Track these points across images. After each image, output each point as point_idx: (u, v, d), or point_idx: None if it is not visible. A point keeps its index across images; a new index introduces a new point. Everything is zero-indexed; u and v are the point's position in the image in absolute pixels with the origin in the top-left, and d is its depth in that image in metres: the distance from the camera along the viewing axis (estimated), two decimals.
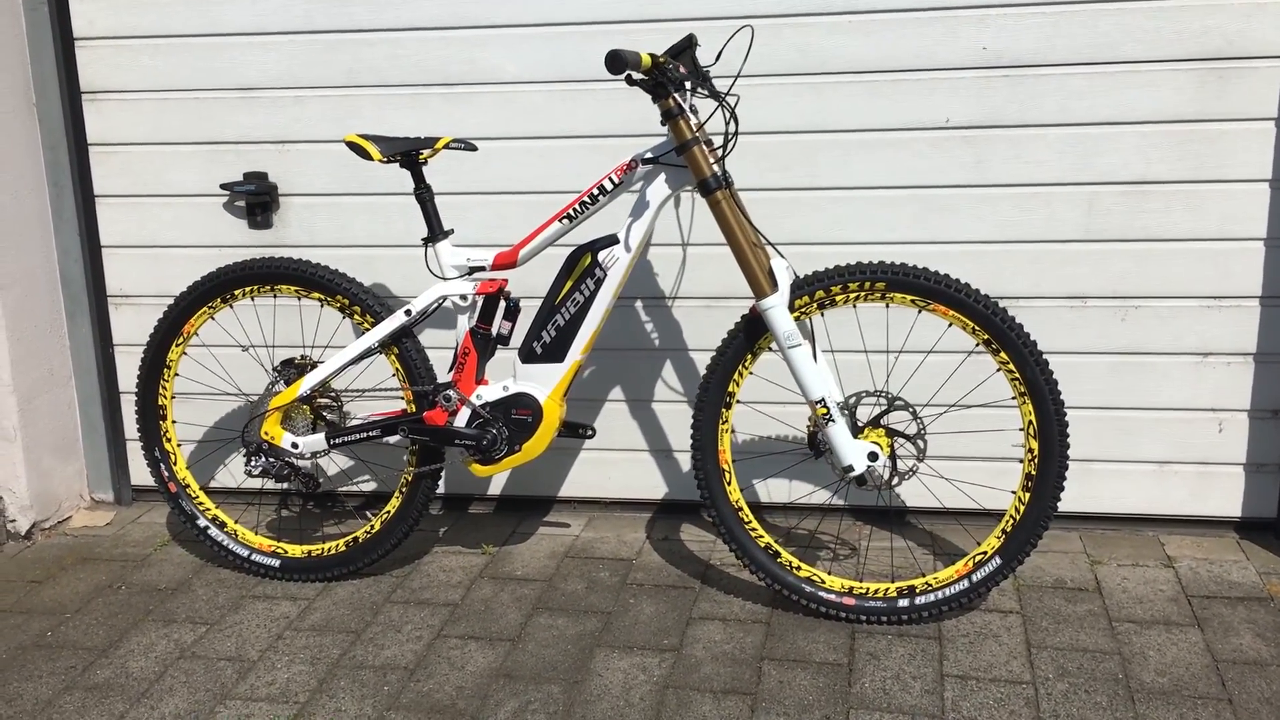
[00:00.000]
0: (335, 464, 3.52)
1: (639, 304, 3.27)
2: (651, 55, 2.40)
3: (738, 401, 2.77)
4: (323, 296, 2.94)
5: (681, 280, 3.23)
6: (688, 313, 3.25)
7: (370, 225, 3.33)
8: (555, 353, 2.79)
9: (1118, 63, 2.91)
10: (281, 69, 3.27)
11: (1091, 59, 2.91)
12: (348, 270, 3.32)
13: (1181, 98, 2.90)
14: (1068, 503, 3.15)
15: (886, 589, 2.73)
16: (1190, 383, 3.07)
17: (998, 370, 2.62)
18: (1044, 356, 2.57)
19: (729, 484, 2.79)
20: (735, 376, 2.73)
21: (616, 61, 2.28)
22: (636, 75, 2.42)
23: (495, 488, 3.52)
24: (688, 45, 2.62)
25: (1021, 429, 2.63)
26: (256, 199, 3.34)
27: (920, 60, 2.98)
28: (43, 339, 3.45)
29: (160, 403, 3.11)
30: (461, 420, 2.86)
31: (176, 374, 3.11)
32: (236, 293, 2.98)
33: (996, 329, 2.57)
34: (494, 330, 2.86)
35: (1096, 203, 3.00)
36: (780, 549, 2.79)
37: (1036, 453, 2.61)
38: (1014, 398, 2.62)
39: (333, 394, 3.06)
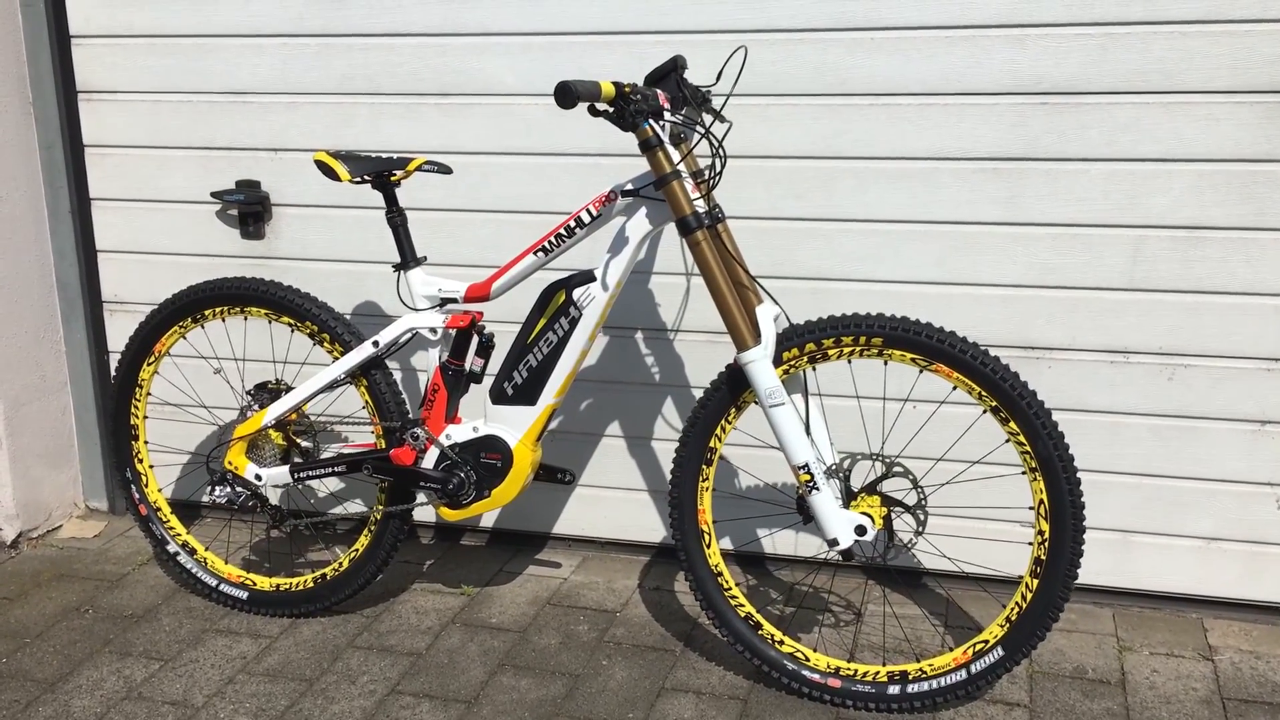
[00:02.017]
0: (326, 486, 3.37)
1: (639, 335, 3.04)
2: (616, 84, 2.16)
3: (720, 458, 2.53)
4: (292, 321, 2.77)
5: (684, 313, 2.99)
6: (690, 347, 3.01)
7: (363, 240, 3.16)
8: (527, 395, 2.58)
9: (1172, 92, 2.57)
10: (274, 73, 3.11)
11: (1142, 87, 2.59)
12: (339, 286, 3.19)
13: (1245, 134, 2.56)
14: (1102, 576, 2.88)
15: (876, 672, 2.47)
16: (1245, 453, 2.73)
17: (1006, 441, 2.34)
18: (1059, 430, 2.28)
19: (709, 547, 2.55)
20: (717, 431, 2.49)
21: (566, 95, 2.04)
22: (600, 105, 2.18)
23: (489, 520, 3.33)
24: (673, 68, 2.38)
25: (1031, 508, 2.34)
26: (248, 208, 3.19)
27: (948, 83, 2.68)
28: (34, 344, 3.36)
29: (132, 423, 2.98)
30: (429, 461, 2.68)
31: (149, 394, 2.97)
32: (207, 313, 2.83)
33: (1006, 396, 2.28)
34: (466, 366, 2.66)
35: (1144, 248, 2.67)
36: (762, 620, 2.55)
37: (1047, 536, 2.32)
38: (1024, 472, 2.33)
39: (306, 422, 2.90)
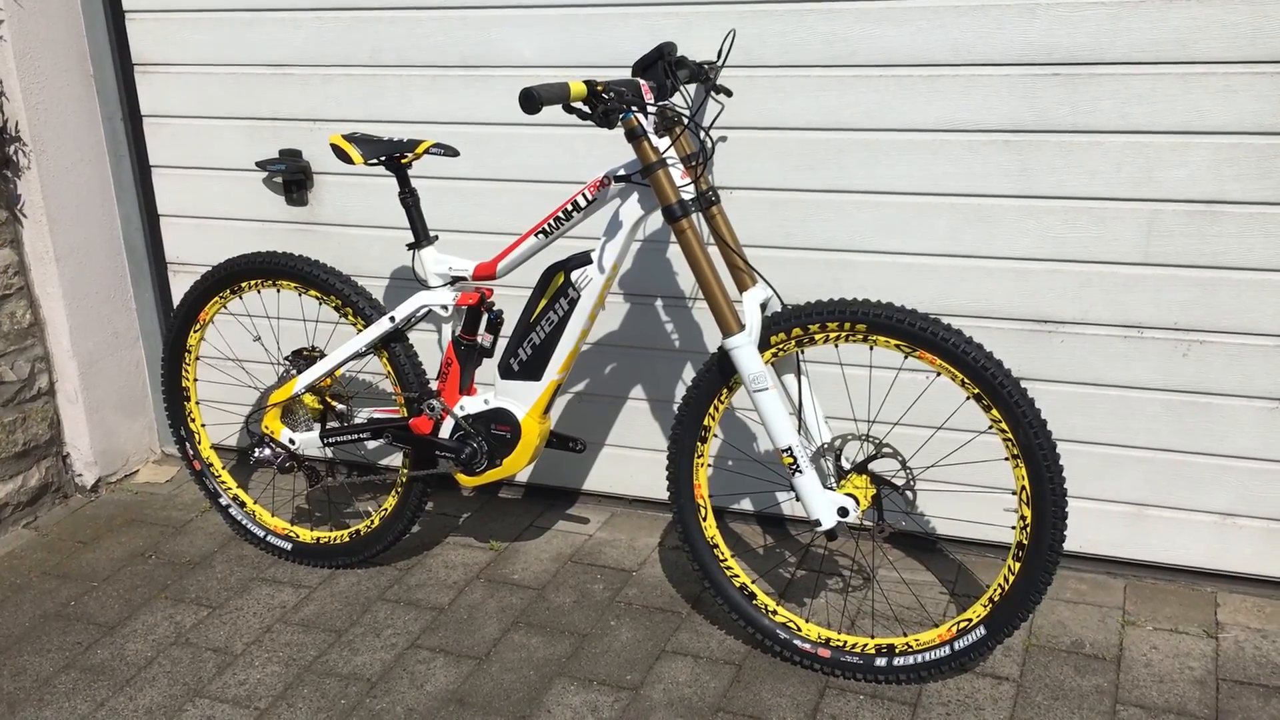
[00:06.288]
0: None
1: (659, 303, 3.10)
2: (588, 83, 2.20)
3: (714, 436, 2.59)
4: (319, 295, 2.91)
5: None
6: (708, 315, 3.06)
7: (399, 208, 3.25)
8: (532, 371, 2.68)
9: (1189, 63, 2.48)
10: (310, 46, 3.21)
11: (1157, 58, 2.50)
12: (379, 252, 3.32)
13: (1264, 106, 2.46)
14: (1116, 548, 2.88)
15: (864, 644, 2.54)
16: (1262, 430, 2.68)
17: (990, 428, 2.35)
18: (1041, 417, 2.28)
19: (705, 520, 2.64)
20: (711, 410, 2.56)
21: (530, 102, 2.09)
22: (574, 104, 2.22)
23: (524, 475, 3.47)
24: (659, 56, 2.40)
25: (1015, 493, 2.36)
26: (291, 177, 3.33)
27: (958, 54, 2.64)
28: (105, 304, 3.59)
29: (184, 385, 3.18)
30: (445, 430, 2.81)
31: (198, 358, 3.17)
32: (243, 285, 2.99)
33: (988, 384, 2.29)
34: (478, 340, 2.77)
35: (1158, 222, 2.61)
36: (757, 590, 2.63)
37: (1029, 521, 2.33)
38: (1007, 458, 2.34)
39: (340, 387, 3.05)
